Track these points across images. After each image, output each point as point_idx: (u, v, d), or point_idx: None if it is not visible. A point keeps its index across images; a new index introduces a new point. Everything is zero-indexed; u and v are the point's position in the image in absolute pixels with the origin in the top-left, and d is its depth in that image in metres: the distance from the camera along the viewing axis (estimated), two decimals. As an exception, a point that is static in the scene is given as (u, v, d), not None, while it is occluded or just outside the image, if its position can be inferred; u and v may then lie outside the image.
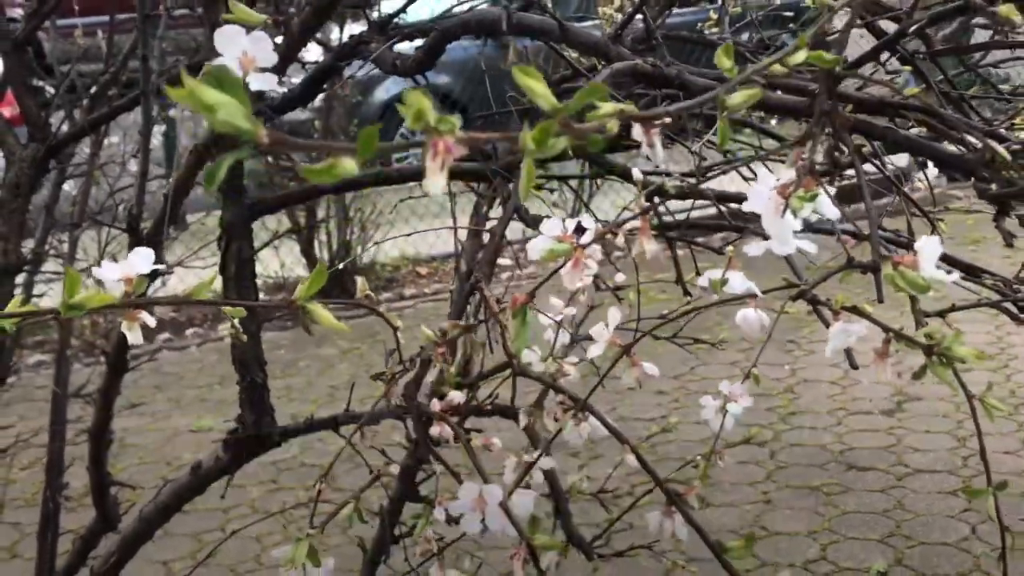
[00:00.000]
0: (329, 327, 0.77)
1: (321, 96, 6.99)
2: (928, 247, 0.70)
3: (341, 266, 5.68)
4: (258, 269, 5.87)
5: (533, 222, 1.57)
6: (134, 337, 0.81)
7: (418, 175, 1.70)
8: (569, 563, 1.61)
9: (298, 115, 7.50)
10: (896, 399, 4.50)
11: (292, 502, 4.07)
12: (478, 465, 0.97)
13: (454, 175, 1.85)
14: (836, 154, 0.89)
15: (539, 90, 0.52)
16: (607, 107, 0.56)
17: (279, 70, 1.90)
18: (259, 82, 0.67)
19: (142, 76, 2.04)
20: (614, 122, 0.55)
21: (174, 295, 0.86)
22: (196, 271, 2.43)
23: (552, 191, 2.02)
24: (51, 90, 3.72)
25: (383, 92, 7.99)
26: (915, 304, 1.06)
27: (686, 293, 1.62)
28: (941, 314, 1.38)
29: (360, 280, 0.97)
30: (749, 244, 0.80)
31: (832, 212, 0.78)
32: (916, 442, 4.16)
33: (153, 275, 2.26)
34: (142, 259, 0.81)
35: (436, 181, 0.51)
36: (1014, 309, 1.35)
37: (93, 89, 2.56)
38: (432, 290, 6.43)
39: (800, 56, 0.68)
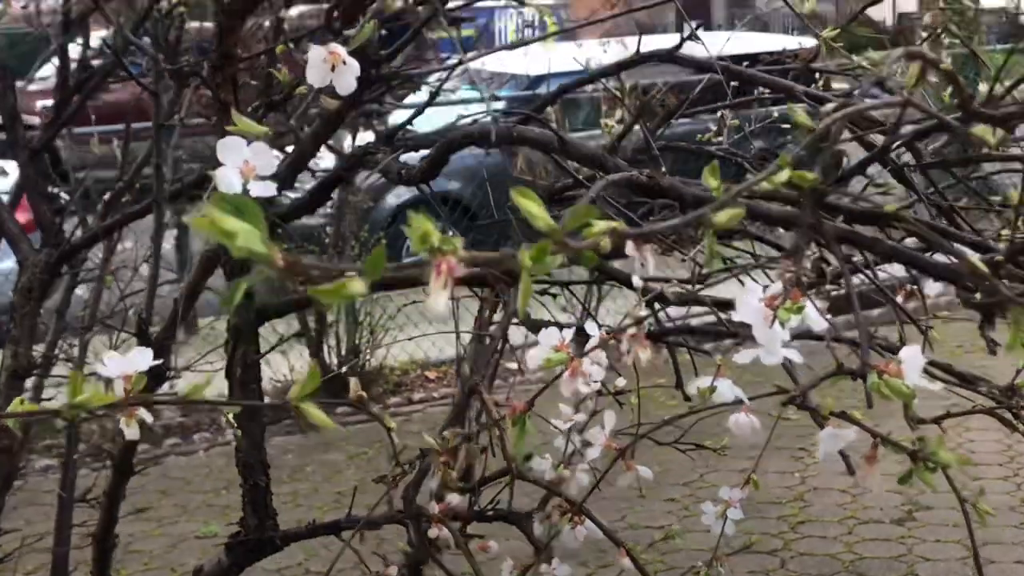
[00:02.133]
0: (323, 425, 0.79)
1: (333, 202, 7.07)
2: (911, 357, 0.72)
3: (344, 370, 5.69)
4: (267, 372, 5.85)
5: (534, 327, 1.60)
6: (132, 433, 0.83)
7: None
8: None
9: (309, 221, 7.59)
10: (907, 508, 4.46)
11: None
12: (476, 568, 0.98)
13: (457, 280, 1.88)
14: (823, 266, 0.91)
15: (536, 212, 0.55)
16: (600, 225, 0.59)
17: (290, 178, 1.95)
18: (259, 189, 0.70)
19: (155, 184, 2.08)
20: (607, 240, 0.58)
21: (175, 395, 0.88)
22: (205, 375, 2.44)
23: (555, 296, 2.04)
24: (66, 196, 3.80)
25: (394, 198, 8.08)
26: (907, 411, 1.07)
27: (686, 398, 1.64)
28: (937, 421, 1.39)
29: (353, 381, 0.99)
30: (739, 352, 0.82)
31: (818, 323, 0.80)
32: (927, 551, 4.11)
33: (161, 378, 2.28)
34: (142, 357, 0.84)
35: (440, 300, 0.53)
36: (1008, 416, 1.36)
37: (107, 196, 2.61)
38: (441, 394, 6.42)
39: (783, 176, 0.71)
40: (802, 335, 1.24)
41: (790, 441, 5.02)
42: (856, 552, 4.18)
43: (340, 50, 0.79)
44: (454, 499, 1.11)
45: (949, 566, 3.98)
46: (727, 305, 1.53)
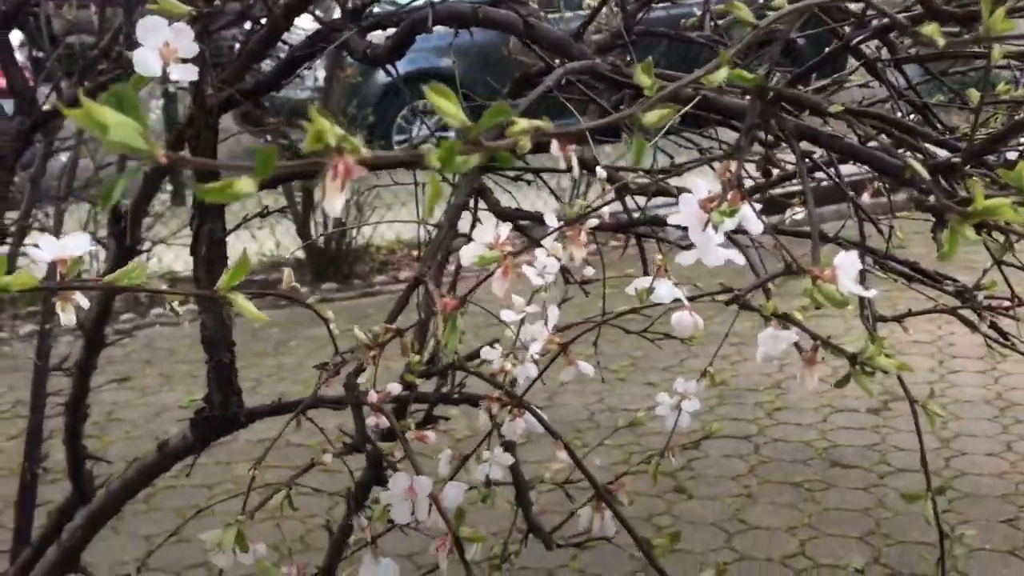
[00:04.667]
0: (253, 317, 0.78)
1: (323, 76, 6.97)
2: (847, 262, 0.71)
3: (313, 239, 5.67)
4: (253, 248, 5.83)
5: (501, 216, 1.58)
6: (67, 319, 0.82)
7: (400, 164, 1.70)
8: (531, 553, 1.62)
9: (297, 94, 7.50)
10: (883, 398, 4.52)
11: (277, 479, 4.09)
12: (411, 456, 0.99)
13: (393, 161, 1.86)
14: (768, 166, 0.90)
15: (450, 110, 0.53)
16: (522, 124, 0.57)
17: (264, 51, 1.91)
18: (180, 73, 0.68)
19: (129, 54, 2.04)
20: (526, 140, 0.56)
21: (102, 279, 0.87)
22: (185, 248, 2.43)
23: (529, 183, 2.02)
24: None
25: (383, 74, 7.98)
26: (864, 310, 1.07)
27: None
28: (897, 319, 1.39)
29: (286, 272, 0.99)
30: (680, 254, 0.81)
31: (756, 227, 0.78)
32: (900, 441, 4.17)
33: (132, 252, 2.25)
34: (76, 241, 0.82)
35: (336, 201, 0.52)
36: (972, 316, 1.36)
37: (81, 63, 2.56)
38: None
39: (722, 74, 0.69)
40: (787, 231, 1.22)
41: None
42: (830, 440, 4.23)
43: None
44: (394, 388, 1.11)
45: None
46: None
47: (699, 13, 2.07)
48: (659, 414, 1.25)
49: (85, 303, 0.84)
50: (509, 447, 1.29)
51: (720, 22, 2.00)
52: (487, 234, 0.90)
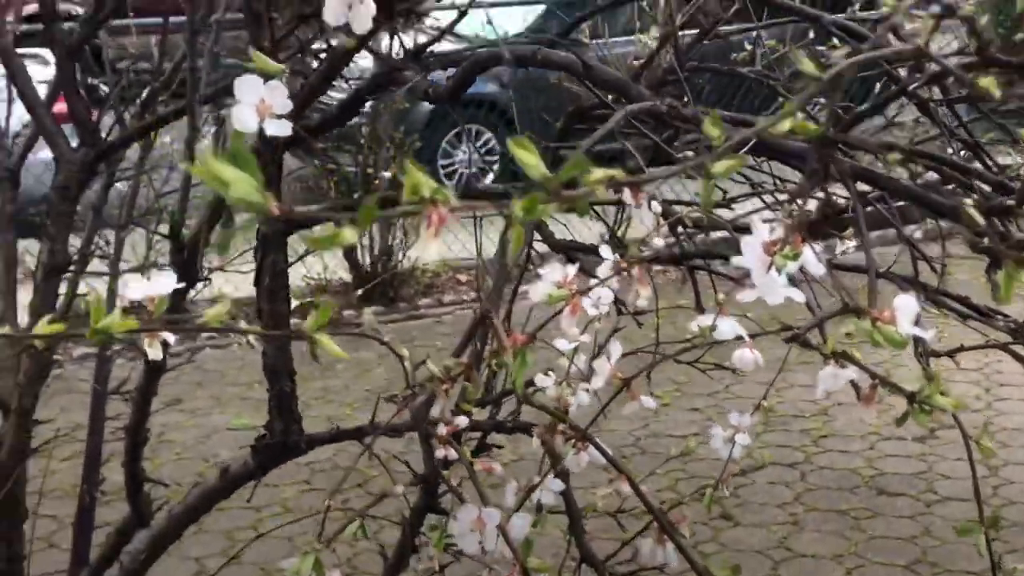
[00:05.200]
0: (334, 356, 0.82)
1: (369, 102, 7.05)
2: (905, 305, 0.74)
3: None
4: (301, 271, 5.91)
5: (556, 247, 1.62)
6: (155, 354, 0.86)
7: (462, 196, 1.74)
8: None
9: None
10: (930, 426, 4.50)
11: (321, 502, 4.14)
12: (479, 488, 1.02)
13: (482, 197, 1.91)
14: (828, 209, 0.93)
15: (530, 161, 0.57)
16: (597, 174, 0.60)
17: (324, 87, 1.97)
18: (274, 128, 0.72)
19: (189, 87, 2.10)
20: (603, 189, 0.59)
21: (194, 320, 0.91)
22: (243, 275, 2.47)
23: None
24: (106, 89, 3.81)
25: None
26: (918, 347, 1.09)
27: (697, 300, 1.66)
28: (949, 354, 1.41)
29: (368, 313, 1.02)
30: (742, 292, 0.84)
31: (817, 269, 0.81)
32: (947, 469, 4.15)
33: (192, 281, 2.31)
34: (165, 281, 0.87)
35: (431, 250, 0.55)
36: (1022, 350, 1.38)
37: (144, 95, 2.62)
38: (472, 296, 6.47)
39: (786, 125, 0.72)
40: (842, 266, 1.25)
41: (816, 355, 5.05)
42: (877, 467, 4.23)
43: None
44: (462, 421, 1.15)
45: (968, 484, 4.01)
46: (747, 230, 1.54)
47: (747, 42, 2.10)
48: (713, 447, 1.28)
49: (172, 339, 0.88)
50: (563, 476, 1.32)
51: (765, 50, 2.04)
52: (556, 273, 0.93)
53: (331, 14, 0.81)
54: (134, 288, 0.85)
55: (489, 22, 2.73)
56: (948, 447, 4.30)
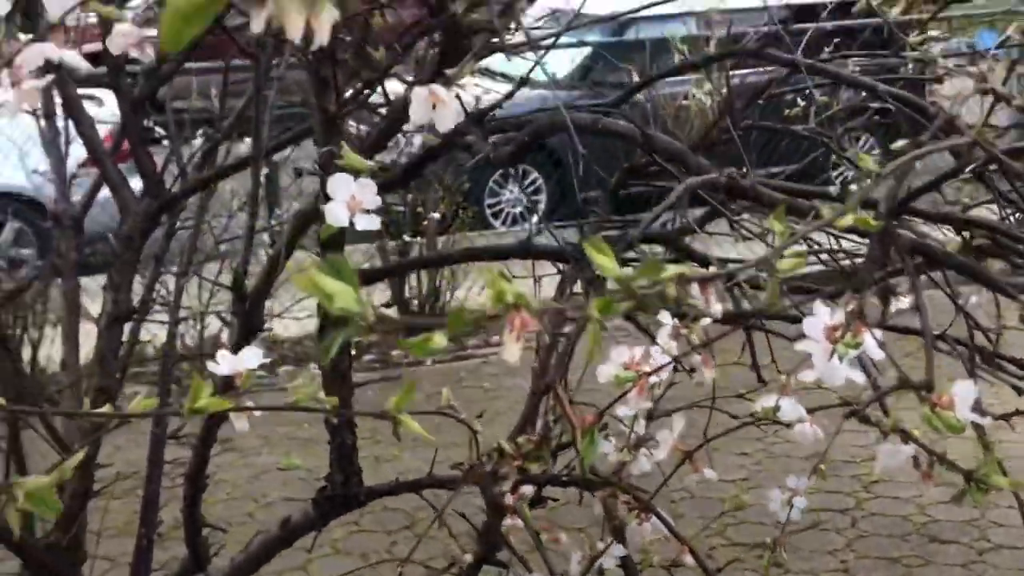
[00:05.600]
0: (422, 436, 0.86)
1: (419, 143, 7.14)
2: (964, 392, 0.76)
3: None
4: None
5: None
6: (240, 427, 0.90)
7: (509, 253, 1.78)
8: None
9: (396, 160, 7.66)
10: (983, 471, 4.47)
11: (372, 544, 4.17)
12: (545, 557, 1.05)
13: (538, 255, 1.94)
14: (888, 294, 0.95)
15: (606, 264, 0.60)
16: (669, 271, 0.64)
17: (384, 143, 2.02)
18: (364, 223, 0.76)
19: (253, 143, 2.16)
20: (673, 286, 0.63)
21: (279, 398, 0.95)
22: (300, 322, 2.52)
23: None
24: (161, 130, 3.89)
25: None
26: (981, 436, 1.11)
27: (760, 380, 1.68)
28: (1005, 417, 1.42)
29: (445, 392, 1.06)
30: (802, 371, 0.87)
31: (877, 354, 0.84)
32: (1000, 517, 4.11)
33: (255, 331, 2.36)
34: (251, 356, 0.91)
35: (513, 352, 0.58)
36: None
37: (205, 144, 2.68)
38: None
39: (848, 219, 0.75)
40: (895, 328, 1.27)
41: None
42: (929, 515, 4.20)
43: (441, 91, 0.84)
44: (527, 490, 1.18)
45: (1021, 532, 3.98)
46: (803, 291, 1.57)
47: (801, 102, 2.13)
48: (771, 510, 1.30)
49: (257, 413, 0.92)
50: (620, 537, 1.34)
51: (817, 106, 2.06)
52: (622, 355, 0.96)
53: (417, 115, 0.85)
54: (224, 363, 0.90)
55: (541, 67, 2.77)
56: (1001, 494, 4.25)
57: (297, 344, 5.96)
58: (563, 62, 7.90)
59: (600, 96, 2.45)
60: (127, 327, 2.62)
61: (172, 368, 2.81)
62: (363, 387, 2.08)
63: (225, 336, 4.80)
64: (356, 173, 0.78)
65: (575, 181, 2.32)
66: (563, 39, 2.06)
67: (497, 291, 0.57)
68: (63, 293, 2.97)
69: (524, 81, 1.43)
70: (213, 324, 4.38)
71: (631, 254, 2.05)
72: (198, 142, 2.85)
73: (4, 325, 2.85)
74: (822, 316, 0.83)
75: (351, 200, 0.79)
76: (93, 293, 3.09)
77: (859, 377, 0.87)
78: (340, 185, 0.78)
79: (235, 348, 2.31)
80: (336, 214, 0.79)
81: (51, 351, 5.20)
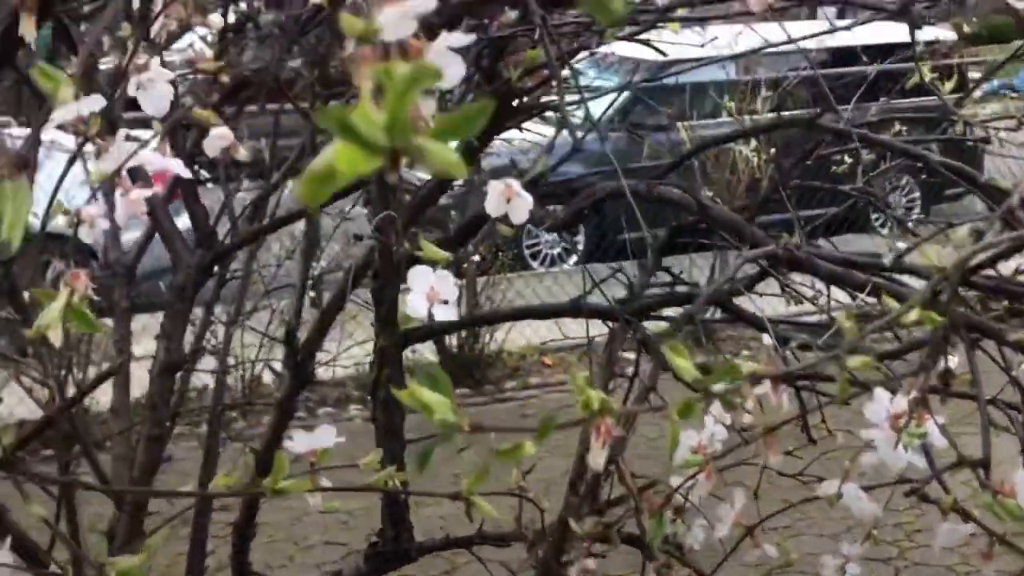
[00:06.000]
0: (488, 515, 0.88)
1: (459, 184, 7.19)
2: (1024, 481, 0.78)
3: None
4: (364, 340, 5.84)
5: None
6: (315, 502, 0.93)
7: (560, 312, 1.81)
8: None
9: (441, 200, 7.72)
10: (1025, 522, 4.42)
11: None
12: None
13: (589, 314, 1.97)
14: (949, 378, 0.97)
15: (684, 366, 0.63)
16: (745, 368, 0.66)
17: (434, 200, 2.05)
18: (442, 313, 0.79)
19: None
20: (747, 386, 0.65)
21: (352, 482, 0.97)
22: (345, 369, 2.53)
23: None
24: (206, 174, 3.95)
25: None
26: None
27: (811, 440, 1.70)
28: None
29: (515, 473, 1.08)
30: (866, 454, 0.88)
31: (941, 442, 0.86)
32: (1046, 569, 4.08)
33: (305, 382, 2.39)
34: (326, 435, 0.93)
35: (600, 459, 0.61)
36: None
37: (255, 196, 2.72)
38: (557, 380, 6.52)
39: (913, 316, 0.77)
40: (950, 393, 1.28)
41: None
42: (972, 564, 4.16)
43: (515, 185, 0.87)
44: (590, 563, 1.20)
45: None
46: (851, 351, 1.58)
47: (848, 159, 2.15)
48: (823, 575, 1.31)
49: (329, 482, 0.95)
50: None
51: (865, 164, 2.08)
52: (691, 439, 0.98)
53: (492, 207, 0.88)
54: (300, 442, 0.92)
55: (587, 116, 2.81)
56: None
57: (339, 386, 5.99)
58: (601, 103, 7.92)
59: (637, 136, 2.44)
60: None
61: (221, 416, 2.85)
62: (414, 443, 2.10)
63: (268, 380, 4.84)
64: (434, 264, 0.82)
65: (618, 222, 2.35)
66: (604, 84, 2.09)
67: (585, 400, 0.60)
68: (114, 341, 3.02)
69: (563, 125, 1.46)
70: (263, 373, 4.43)
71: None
72: (245, 190, 2.89)
73: (58, 368, 2.91)
74: (883, 402, 0.85)
75: (430, 291, 0.82)
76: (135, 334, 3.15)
77: (920, 462, 0.89)
78: (420, 278, 0.81)
79: (286, 400, 2.34)
80: (416, 306, 0.82)
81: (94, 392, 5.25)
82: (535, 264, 8.43)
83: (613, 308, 1.61)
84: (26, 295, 2.82)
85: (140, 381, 2.60)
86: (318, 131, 2.40)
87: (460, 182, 1.99)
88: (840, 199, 2.20)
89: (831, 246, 2.08)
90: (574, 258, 8.26)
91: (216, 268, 2.69)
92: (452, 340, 6.39)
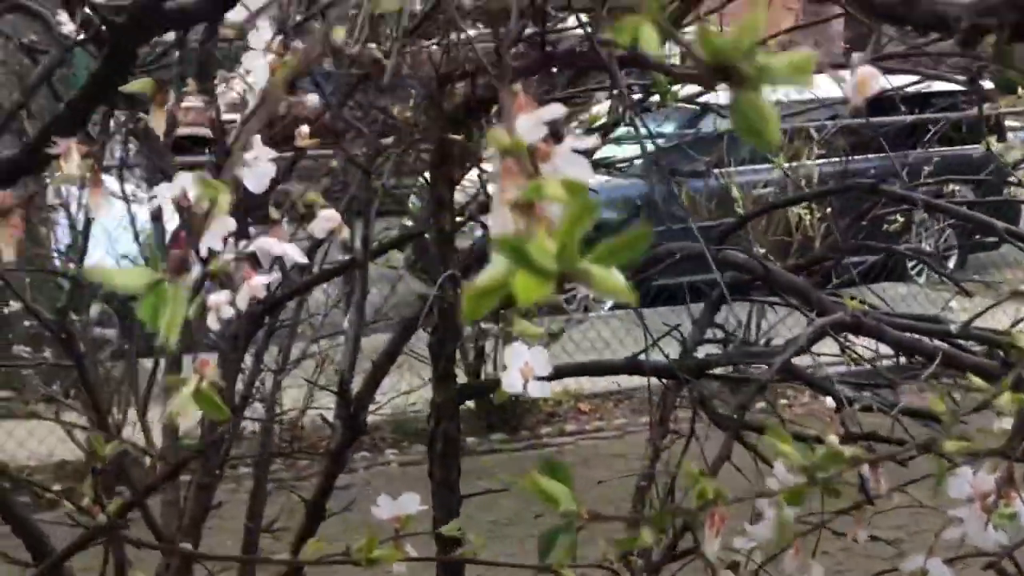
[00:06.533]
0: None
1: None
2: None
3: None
4: (426, 394, 5.91)
5: (726, 423, 1.68)
6: (399, 571, 0.94)
7: (618, 370, 1.82)
8: None
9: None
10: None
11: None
12: None
13: (647, 372, 1.98)
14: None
15: (788, 452, 0.64)
16: (846, 455, 0.67)
17: (483, 262, 2.07)
18: (536, 390, 0.81)
19: (361, 251, 2.22)
20: (848, 465, 0.66)
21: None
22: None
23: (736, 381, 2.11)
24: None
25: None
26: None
27: (869, 501, 1.69)
28: None
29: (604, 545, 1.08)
30: (950, 529, 0.89)
31: (1025, 520, 0.86)
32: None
33: (360, 431, 2.41)
34: (411, 501, 0.95)
35: (713, 548, 0.62)
36: None
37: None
38: (593, 427, 6.51)
39: (1005, 398, 0.78)
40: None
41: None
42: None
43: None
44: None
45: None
46: (919, 414, 1.59)
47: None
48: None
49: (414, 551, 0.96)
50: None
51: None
52: (764, 529, 0.98)
53: (509, 381, 0.89)
54: (384, 508, 0.94)
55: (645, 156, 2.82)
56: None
57: (375, 430, 6.01)
58: (635, 149, 7.94)
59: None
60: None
61: (268, 464, 2.87)
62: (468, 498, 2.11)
63: (306, 424, 4.86)
64: (528, 339, 0.84)
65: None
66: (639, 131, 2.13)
67: (700, 491, 0.61)
68: (165, 387, 3.05)
69: (600, 164, 1.48)
70: (303, 420, 4.46)
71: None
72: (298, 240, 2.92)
73: (103, 410, 2.94)
74: (966, 478, 0.85)
75: (525, 367, 0.84)
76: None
77: (1003, 539, 0.89)
78: (516, 355, 0.84)
79: (339, 451, 2.36)
80: (513, 382, 0.85)
81: (132, 432, 5.29)
82: (570, 309, 8.44)
83: (671, 367, 1.63)
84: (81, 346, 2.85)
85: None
86: (370, 184, 2.43)
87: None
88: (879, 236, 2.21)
89: (871, 295, 2.10)
90: (609, 303, 8.28)
91: (267, 318, 2.72)
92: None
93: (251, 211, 2.66)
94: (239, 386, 2.72)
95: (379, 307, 4.01)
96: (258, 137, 0.82)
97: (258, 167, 0.86)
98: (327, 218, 0.87)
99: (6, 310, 6.13)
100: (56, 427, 5.47)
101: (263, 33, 0.90)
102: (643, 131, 1.58)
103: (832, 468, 0.65)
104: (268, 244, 0.60)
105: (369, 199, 2.34)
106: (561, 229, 0.46)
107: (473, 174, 2.00)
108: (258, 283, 0.62)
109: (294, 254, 0.66)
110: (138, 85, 0.81)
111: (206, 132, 3.46)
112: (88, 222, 3.20)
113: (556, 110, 0.51)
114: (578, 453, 6.12)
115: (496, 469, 5.93)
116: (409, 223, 3.47)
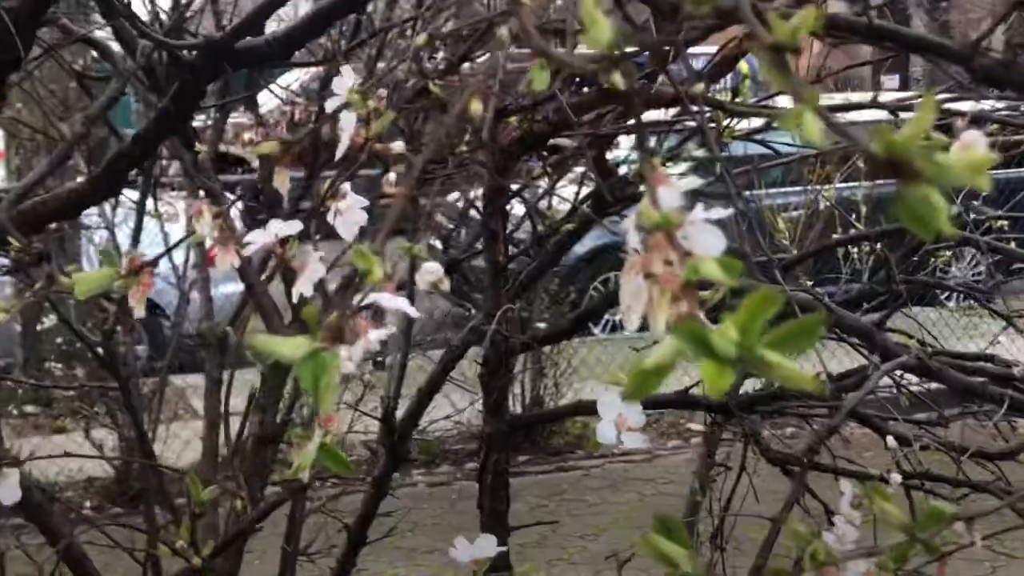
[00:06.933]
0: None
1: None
2: None
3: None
4: (450, 415, 5.92)
5: (777, 459, 1.68)
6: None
7: (667, 404, 1.82)
8: None
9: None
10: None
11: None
12: None
13: (695, 406, 1.99)
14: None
15: (890, 511, 0.64)
16: (948, 513, 0.67)
17: (532, 287, 2.08)
18: (631, 441, 0.82)
19: (408, 282, 2.23)
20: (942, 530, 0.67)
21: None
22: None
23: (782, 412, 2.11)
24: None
25: (580, 247, 8.23)
26: None
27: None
28: None
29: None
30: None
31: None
32: None
33: (404, 459, 2.41)
34: (488, 544, 0.96)
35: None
36: None
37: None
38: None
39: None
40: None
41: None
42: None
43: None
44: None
45: None
46: (965, 451, 1.58)
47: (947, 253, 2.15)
48: None
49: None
50: None
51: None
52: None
53: (603, 433, 0.90)
54: (462, 552, 0.95)
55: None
56: None
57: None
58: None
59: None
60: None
61: (306, 487, 2.88)
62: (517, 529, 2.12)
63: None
64: (620, 389, 0.84)
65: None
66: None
67: (813, 551, 0.62)
68: (205, 409, 3.07)
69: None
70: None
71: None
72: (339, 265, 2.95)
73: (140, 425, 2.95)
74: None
75: (618, 418, 0.85)
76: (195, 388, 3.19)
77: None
78: (609, 406, 0.84)
79: (382, 478, 2.36)
80: (606, 433, 0.85)
81: (162, 448, 5.30)
82: (596, 330, 8.44)
83: (725, 402, 1.63)
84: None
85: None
86: (417, 209, 2.44)
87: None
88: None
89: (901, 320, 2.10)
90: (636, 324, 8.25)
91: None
92: (516, 406, 6.40)
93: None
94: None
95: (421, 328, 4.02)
96: (348, 185, 0.83)
97: (350, 215, 0.87)
98: (430, 271, 0.88)
99: (38, 327, 6.17)
100: (86, 443, 5.50)
101: (346, 79, 0.91)
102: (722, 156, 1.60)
103: (934, 528, 0.66)
104: (382, 298, 0.61)
105: (416, 225, 2.36)
106: (742, 318, 0.47)
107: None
108: (376, 337, 0.63)
109: (407, 309, 0.67)
110: (267, 148, 0.82)
111: (244, 152, 3.48)
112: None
113: (693, 181, 0.52)
114: (606, 476, 6.11)
115: (523, 492, 5.92)
116: (437, 243, 3.48)
